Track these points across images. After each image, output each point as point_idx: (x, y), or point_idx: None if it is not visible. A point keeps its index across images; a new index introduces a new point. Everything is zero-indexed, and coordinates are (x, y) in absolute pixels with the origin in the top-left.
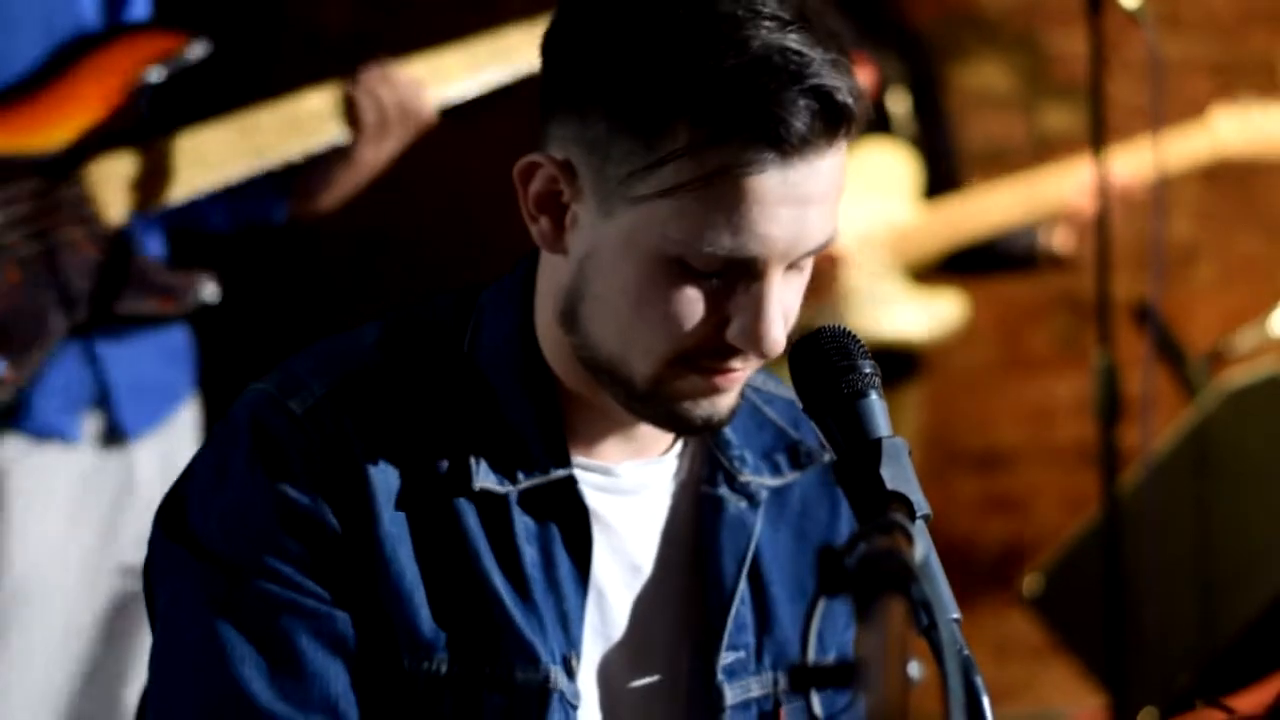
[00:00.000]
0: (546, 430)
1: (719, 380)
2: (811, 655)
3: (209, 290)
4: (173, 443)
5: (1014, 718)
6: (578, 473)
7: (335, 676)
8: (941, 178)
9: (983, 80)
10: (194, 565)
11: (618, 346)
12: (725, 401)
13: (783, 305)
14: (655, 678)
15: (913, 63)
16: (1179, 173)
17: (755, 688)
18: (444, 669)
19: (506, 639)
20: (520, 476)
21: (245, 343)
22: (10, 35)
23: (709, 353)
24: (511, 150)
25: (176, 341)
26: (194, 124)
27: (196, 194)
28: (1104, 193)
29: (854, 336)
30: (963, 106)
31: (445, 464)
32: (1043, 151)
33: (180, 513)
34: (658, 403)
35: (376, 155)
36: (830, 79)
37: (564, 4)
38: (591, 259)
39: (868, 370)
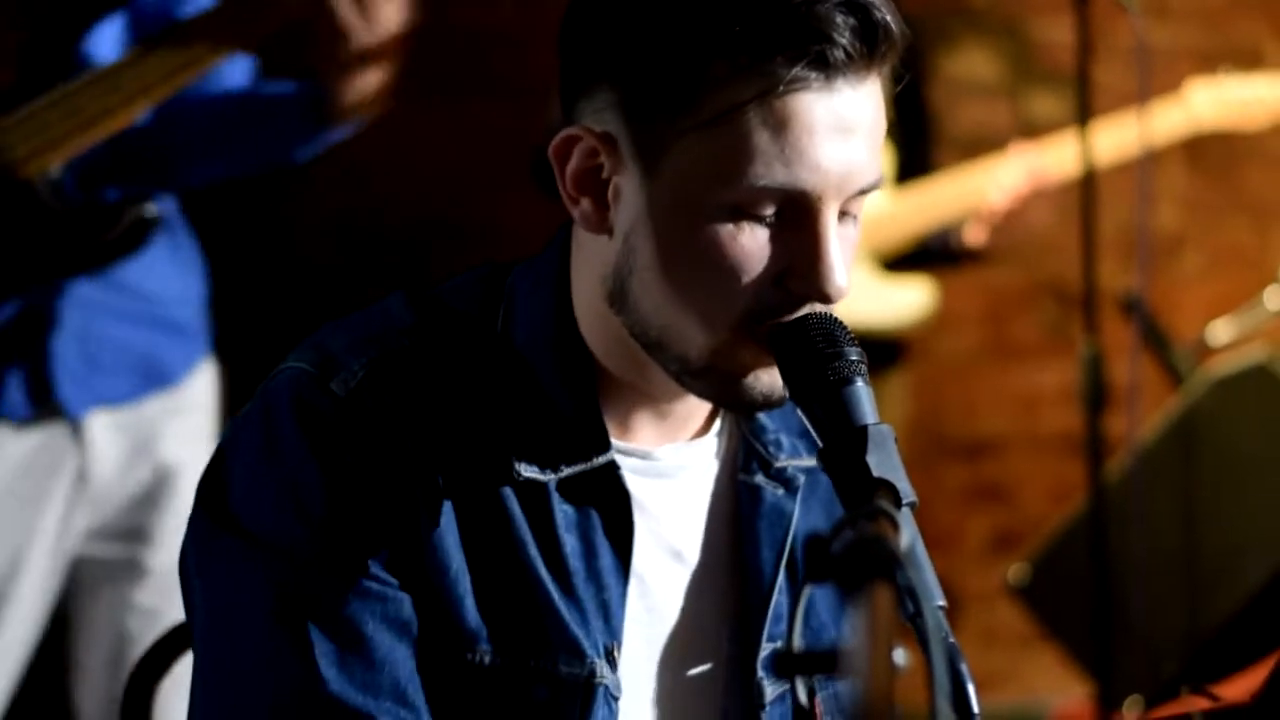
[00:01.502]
0: (586, 415)
1: None
2: (799, 641)
3: (142, 209)
4: (143, 432)
5: (1000, 706)
6: (617, 458)
7: (403, 661)
8: (916, 168)
9: (969, 68)
10: (248, 553)
11: (673, 317)
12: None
13: (840, 250)
14: (698, 665)
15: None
16: (1159, 148)
17: None
18: (487, 660)
19: (552, 631)
20: (562, 463)
21: (223, 335)
22: None
23: (770, 310)
24: (495, 140)
25: (172, 314)
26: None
27: (104, 135)
28: (1088, 179)
29: (841, 323)
30: (949, 94)
31: (487, 451)
32: (1029, 138)
33: (226, 498)
34: (715, 376)
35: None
36: None
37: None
38: (639, 229)
39: (854, 357)
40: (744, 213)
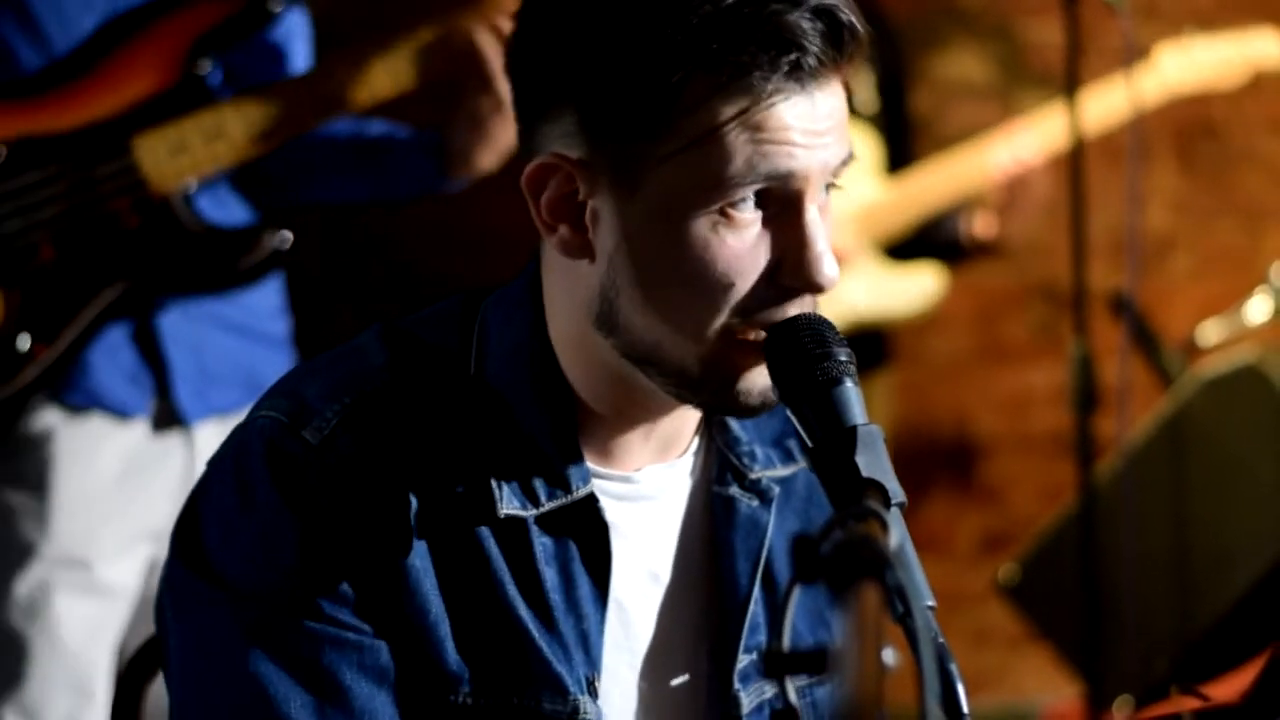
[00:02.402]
0: (564, 447)
1: None
2: (786, 642)
3: (279, 238)
4: None
5: (990, 706)
6: (597, 483)
7: (382, 708)
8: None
9: (960, 70)
10: (223, 601)
11: (666, 330)
12: None
13: (827, 240)
14: (677, 683)
15: (880, 48)
16: (1134, 116)
17: (769, 688)
18: (470, 701)
19: (534, 669)
20: (542, 498)
21: None
22: (64, 7)
23: (763, 307)
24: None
25: (267, 328)
26: (246, 91)
27: (248, 160)
28: (1077, 179)
29: (830, 324)
30: (940, 96)
31: (464, 491)
32: None
33: (202, 546)
34: (714, 384)
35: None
36: None
37: (525, 6)
38: (623, 248)
39: (843, 358)
40: (729, 215)
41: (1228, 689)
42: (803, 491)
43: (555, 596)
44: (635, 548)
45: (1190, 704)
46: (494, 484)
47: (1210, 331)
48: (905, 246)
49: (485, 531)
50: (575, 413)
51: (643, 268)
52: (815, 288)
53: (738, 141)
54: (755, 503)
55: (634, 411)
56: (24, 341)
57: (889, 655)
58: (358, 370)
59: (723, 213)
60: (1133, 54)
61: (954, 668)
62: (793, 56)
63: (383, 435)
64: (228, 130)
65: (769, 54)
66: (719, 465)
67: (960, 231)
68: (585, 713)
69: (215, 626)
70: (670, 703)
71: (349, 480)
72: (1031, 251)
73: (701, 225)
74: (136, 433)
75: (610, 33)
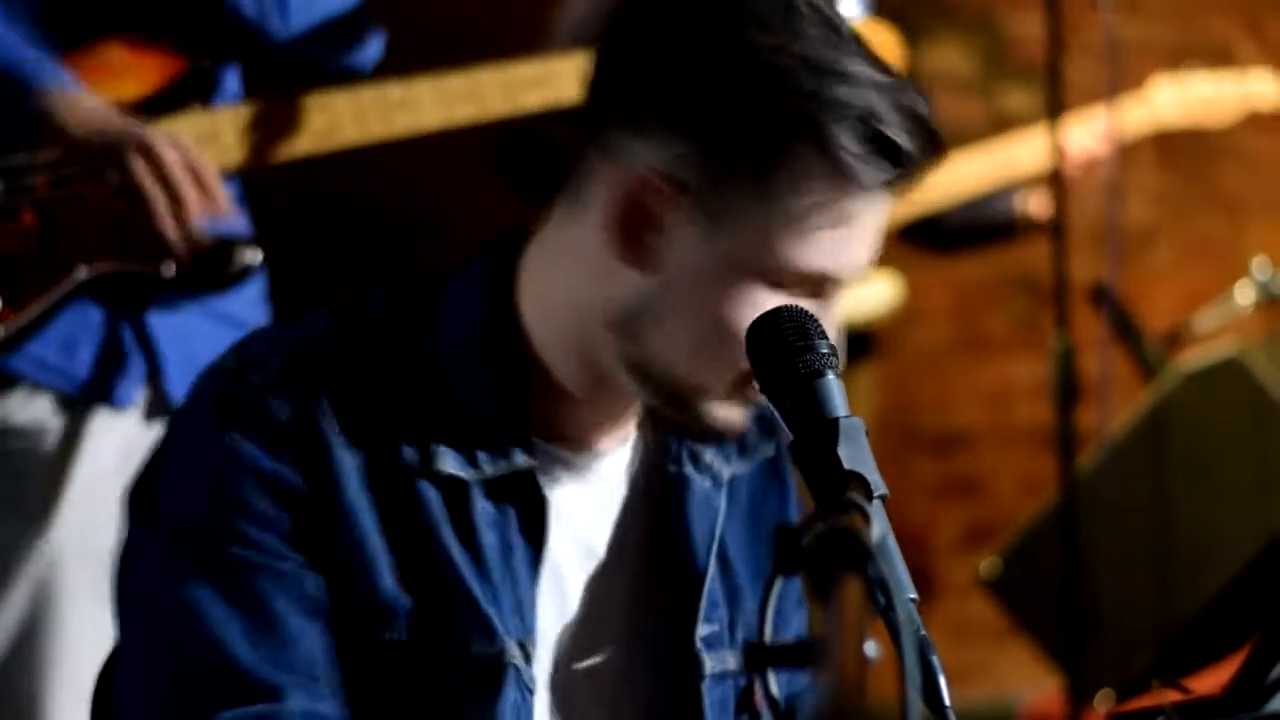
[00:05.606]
0: (511, 419)
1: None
2: (768, 635)
3: (248, 255)
4: None
5: (972, 699)
6: (544, 457)
7: (314, 639)
8: None
9: (942, 62)
10: (167, 543)
11: (685, 364)
12: (748, 410)
13: None
14: (608, 656)
15: None
16: (1127, 143)
17: (731, 661)
18: (405, 638)
19: (464, 612)
20: (483, 463)
21: None
22: None
23: None
24: (457, 135)
25: (249, 316)
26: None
27: (255, 168)
28: (1060, 176)
29: (811, 316)
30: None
31: (406, 446)
32: (1001, 133)
33: (151, 497)
34: (694, 412)
35: None
36: (921, 106)
37: (630, 8)
38: (682, 279)
39: (825, 350)
40: (781, 285)
41: (1209, 681)
42: (745, 497)
43: (493, 557)
44: (575, 521)
45: (1171, 697)
46: (434, 444)
47: (1192, 324)
48: (949, 228)
49: (426, 485)
50: (529, 389)
51: (689, 306)
52: None
53: (824, 233)
54: (708, 483)
55: (603, 399)
56: None
57: (871, 648)
58: (304, 333)
59: (777, 281)
60: (1115, 48)
61: (936, 660)
62: (899, 172)
63: (326, 385)
64: (221, 135)
65: (884, 162)
66: (673, 444)
67: (1015, 211)
68: (512, 657)
69: (159, 565)
70: (601, 673)
71: (289, 416)
72: (1012, 244)
73: (757, 287)
74: (130, 422)
75: (729, 86)
